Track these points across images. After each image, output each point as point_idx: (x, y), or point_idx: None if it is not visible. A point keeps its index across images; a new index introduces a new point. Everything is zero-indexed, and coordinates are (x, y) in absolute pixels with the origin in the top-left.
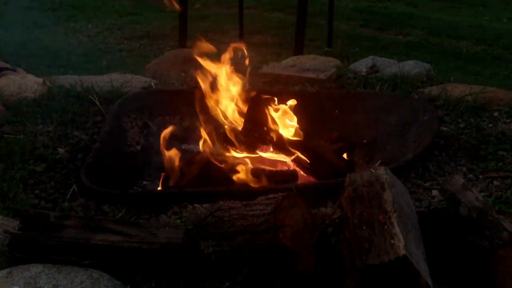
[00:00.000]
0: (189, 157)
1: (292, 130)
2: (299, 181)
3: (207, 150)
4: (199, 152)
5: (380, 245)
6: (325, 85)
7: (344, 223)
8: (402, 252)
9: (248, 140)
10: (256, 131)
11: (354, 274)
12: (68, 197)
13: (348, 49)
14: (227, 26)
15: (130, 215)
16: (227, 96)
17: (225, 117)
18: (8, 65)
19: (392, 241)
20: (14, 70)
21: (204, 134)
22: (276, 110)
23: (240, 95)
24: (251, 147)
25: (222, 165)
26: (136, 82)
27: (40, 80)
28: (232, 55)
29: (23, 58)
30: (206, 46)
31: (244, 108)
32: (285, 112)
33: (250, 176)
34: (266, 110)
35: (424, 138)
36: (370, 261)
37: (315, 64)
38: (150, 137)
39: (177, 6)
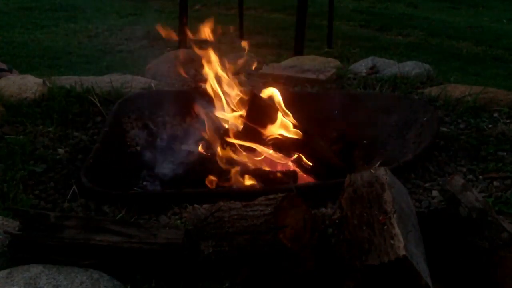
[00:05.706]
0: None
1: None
2: (299, 182)
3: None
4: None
5: (380, 245)
6: (325, 85)
7: (344, 224)
8: (402, 252)
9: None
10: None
11: (354, 275)
12: (68, 197)
13: (348, 49)
14: (227, 26)
15: (130, 216)
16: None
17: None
18: (4, 66)
19: (392, 242)
20: (11, 71)
21: (204, 134)
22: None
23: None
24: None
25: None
26: (136, 82)
27: (40, 80)
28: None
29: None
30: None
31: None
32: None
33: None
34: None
35: (424, 138)
36: (370, 261)
37: (315, 65)
38: (150, 137)
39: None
